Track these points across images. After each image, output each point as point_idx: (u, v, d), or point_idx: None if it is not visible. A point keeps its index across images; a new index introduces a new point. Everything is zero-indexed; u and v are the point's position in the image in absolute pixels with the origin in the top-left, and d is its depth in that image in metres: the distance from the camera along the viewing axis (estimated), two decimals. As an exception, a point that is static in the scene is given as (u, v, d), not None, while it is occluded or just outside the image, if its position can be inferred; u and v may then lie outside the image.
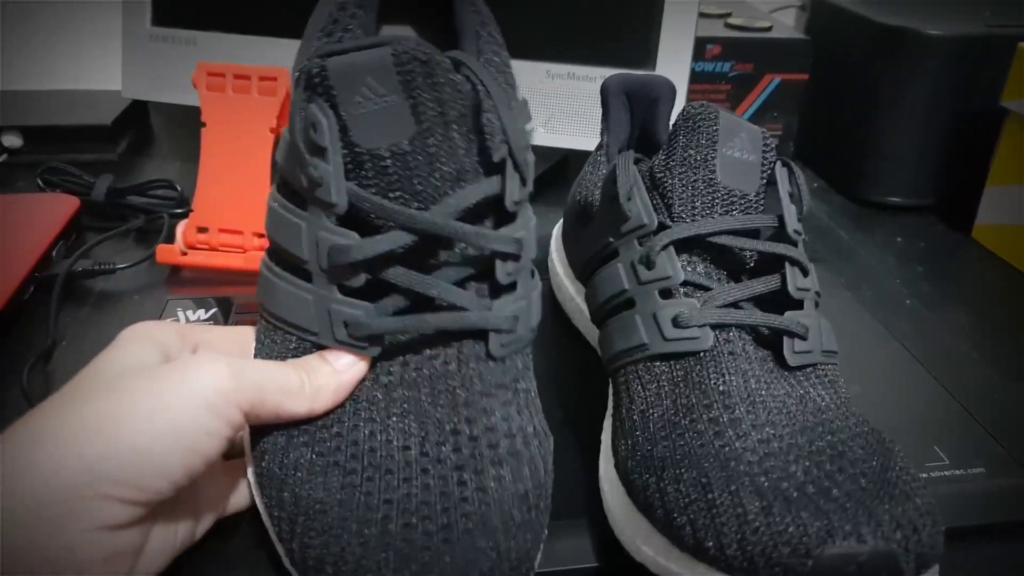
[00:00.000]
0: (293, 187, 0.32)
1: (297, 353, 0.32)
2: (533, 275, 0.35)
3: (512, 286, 0.33)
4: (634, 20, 0.61)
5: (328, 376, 0.31)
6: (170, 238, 0.56)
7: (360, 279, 0.31)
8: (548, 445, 0.34)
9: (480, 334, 0.32)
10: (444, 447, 0.30)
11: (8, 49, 0.87)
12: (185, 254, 0.54)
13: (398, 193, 0.30)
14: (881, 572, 0.26)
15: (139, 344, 0.31)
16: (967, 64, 0.65)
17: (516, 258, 0.33)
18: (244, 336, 0.35)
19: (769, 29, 0.71)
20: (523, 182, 0.32)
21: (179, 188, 0.61)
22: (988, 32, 0.65)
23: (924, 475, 0.39)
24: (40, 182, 0.62)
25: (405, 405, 0.31)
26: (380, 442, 0.30)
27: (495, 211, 0.33)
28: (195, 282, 0.54)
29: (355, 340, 0.31)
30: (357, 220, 0.31)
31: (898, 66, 0.66)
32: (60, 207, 0.58)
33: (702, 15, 0.70)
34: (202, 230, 0.54)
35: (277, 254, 0.33)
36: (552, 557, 0.33)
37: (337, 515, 0.28)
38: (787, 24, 0.81)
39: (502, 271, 0.32)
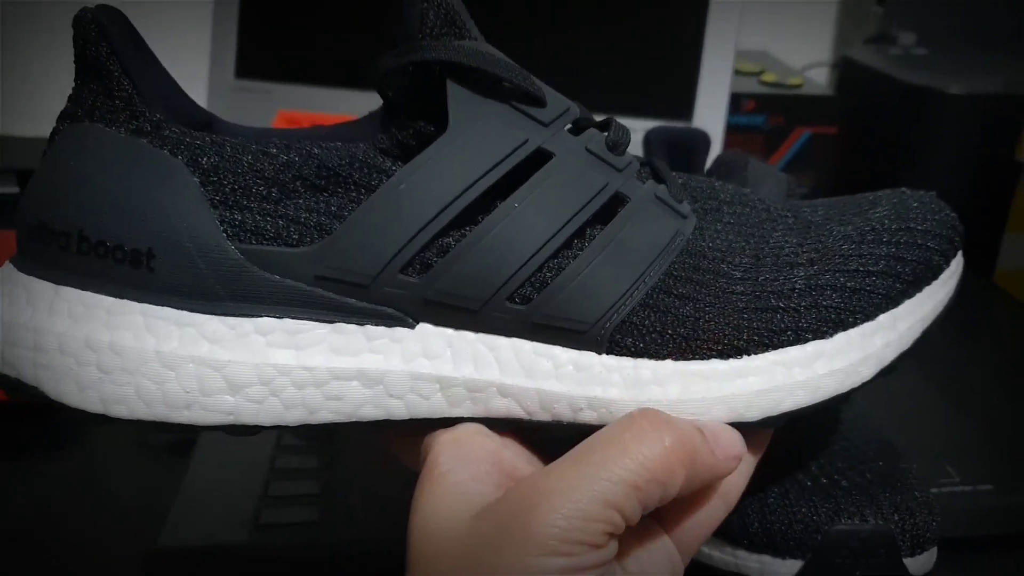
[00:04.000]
0: None
1: None
2: None
3: None
4: (674, 76, 0.67)
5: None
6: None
7: None
8: None
9: None
10: None
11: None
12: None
13: None
14: (879, 548, 0.30)
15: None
16: (986, 120, 0.70)
17: None
18: None
19: (800, 86, 0.76)
20: None
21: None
22: (1006, 91, 0.69)
23: (935, 490, 0.42)
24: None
25: None
26: None
27: None
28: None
29: None
30: None
31: (922, 123, 0.71)
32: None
33: (738, 72, 0.76)
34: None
35: None
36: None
37: None
38: (819, 82, 0.86)
39: None
